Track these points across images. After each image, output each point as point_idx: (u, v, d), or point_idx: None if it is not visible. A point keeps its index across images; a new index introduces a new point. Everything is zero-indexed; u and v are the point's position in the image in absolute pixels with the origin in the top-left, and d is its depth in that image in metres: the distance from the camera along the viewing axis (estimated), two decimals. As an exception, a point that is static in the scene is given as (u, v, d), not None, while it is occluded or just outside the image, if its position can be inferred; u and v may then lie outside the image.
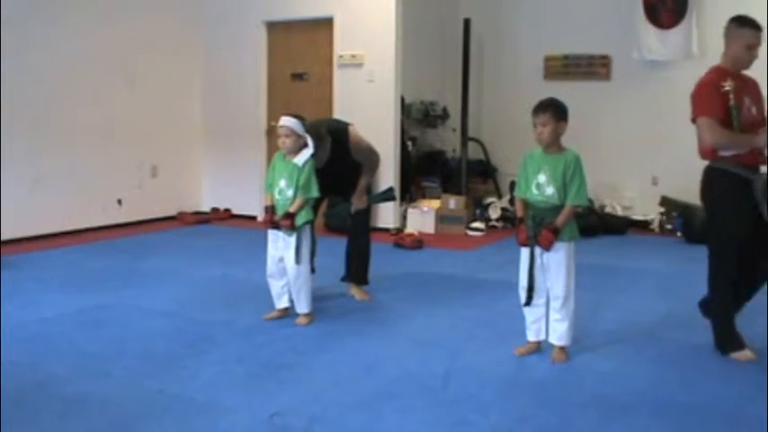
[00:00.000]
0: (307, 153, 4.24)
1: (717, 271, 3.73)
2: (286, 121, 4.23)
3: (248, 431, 2.89)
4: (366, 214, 4.95)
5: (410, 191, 8.02)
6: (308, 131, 4.27)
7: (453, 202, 7.54)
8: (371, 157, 4.78)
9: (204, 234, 7.32)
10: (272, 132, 7.68)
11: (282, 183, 4.21)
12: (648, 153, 7.71)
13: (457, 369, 3.55)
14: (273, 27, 7.95)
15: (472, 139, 8.47)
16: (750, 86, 3.79)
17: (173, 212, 8.09)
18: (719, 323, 3.77)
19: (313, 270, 4.46)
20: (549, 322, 3.71)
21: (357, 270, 4.90)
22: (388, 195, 5.16)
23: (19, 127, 6.51)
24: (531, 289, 3.65)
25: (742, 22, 3.70)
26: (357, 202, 4.75)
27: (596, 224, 7.21)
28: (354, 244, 4.91)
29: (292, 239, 4.17)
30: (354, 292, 4.87)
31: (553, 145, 3.61)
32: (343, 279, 4.96)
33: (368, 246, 4.94)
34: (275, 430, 2.90)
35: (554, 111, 3.57)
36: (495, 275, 5.51)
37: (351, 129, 4.70)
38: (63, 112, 6.94)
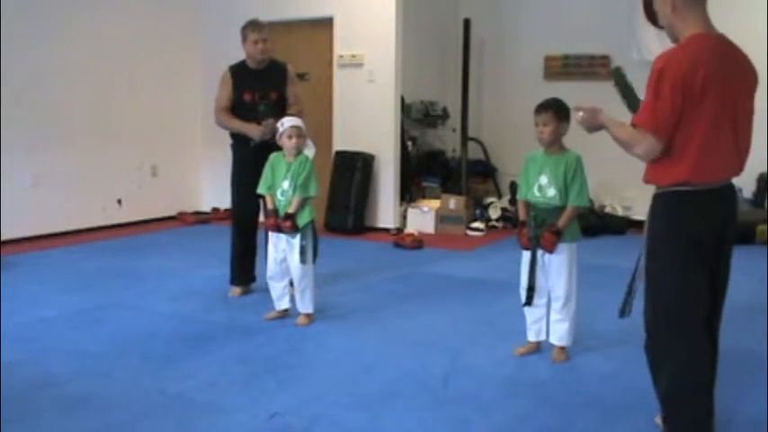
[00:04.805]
0: (311, 151, 4.27)
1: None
2: (297, 122, 4.26)
3: (248, 431, 2.89)
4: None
5: (410, 191, 8.01)
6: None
7: (453, 202, 7.54)
8: (301, 102, 4.92)
9: (204, 234, 7.31)
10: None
11: (285, 184, 4.20)
12: (648, 153, 7.69)
13: (457, 369, 3.55)
14: (273, 27, 7.91)
15: (472, 139, 8.46)
16: None
17: (173, 212, 8.08)
18: None
19: None
20: (550, 322, 3.70)
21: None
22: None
23: (19, 127, 6.51)
24: (531, 289, 3.64)
25: None
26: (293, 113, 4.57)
27: (596, 224, 7.21)
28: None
29: (296, 240, 4.17)
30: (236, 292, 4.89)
31: (554, 145, 3.61)
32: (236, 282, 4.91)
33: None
34: (275, 430, 2.90)
35: (556, 111, 3.58)
36: (495, 275, 5.50)
37: (290, 66, 5.10)
38: (63, 112, 6.94)
